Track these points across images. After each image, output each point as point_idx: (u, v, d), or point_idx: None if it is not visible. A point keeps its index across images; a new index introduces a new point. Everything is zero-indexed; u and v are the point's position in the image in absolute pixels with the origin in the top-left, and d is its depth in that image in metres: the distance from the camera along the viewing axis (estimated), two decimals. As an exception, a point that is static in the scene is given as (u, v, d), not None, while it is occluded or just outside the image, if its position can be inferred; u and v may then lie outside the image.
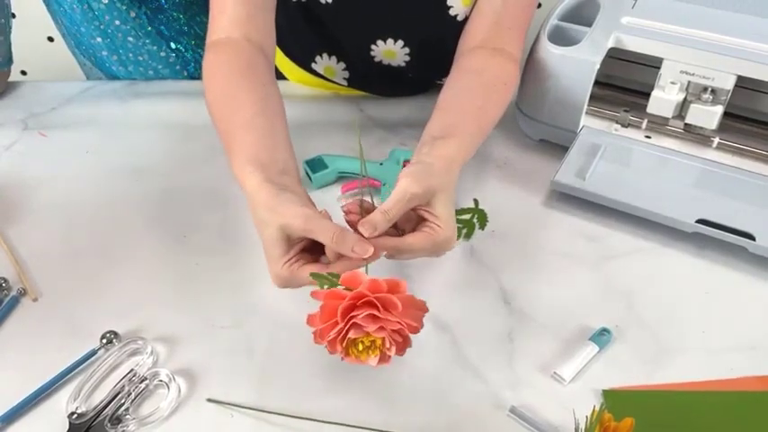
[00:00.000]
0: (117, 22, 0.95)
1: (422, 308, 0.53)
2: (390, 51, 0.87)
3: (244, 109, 0.66)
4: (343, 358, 0.52)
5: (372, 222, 0.56)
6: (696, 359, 0.62)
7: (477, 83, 0.74)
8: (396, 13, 0.83)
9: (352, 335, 0.51)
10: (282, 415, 0.56)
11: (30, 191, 0.81)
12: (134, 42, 0.98)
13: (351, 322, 0.50)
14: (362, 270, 0.54)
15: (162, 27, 0.99)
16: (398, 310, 0.50)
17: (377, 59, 0.89)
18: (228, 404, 0.57)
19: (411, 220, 0.62)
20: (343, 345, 0.51)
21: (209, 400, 0.57)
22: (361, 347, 0.51)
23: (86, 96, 0.98)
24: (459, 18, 0.81)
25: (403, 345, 0.53)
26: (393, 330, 0.51)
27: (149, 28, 0.98)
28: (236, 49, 0.71)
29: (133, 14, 0.95)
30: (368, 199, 0.62)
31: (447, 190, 0.61)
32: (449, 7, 0.80)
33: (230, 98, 0.68)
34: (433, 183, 0.59)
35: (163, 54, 1.01)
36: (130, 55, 1.00)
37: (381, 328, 0.50)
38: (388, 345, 0.51)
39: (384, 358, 0.52)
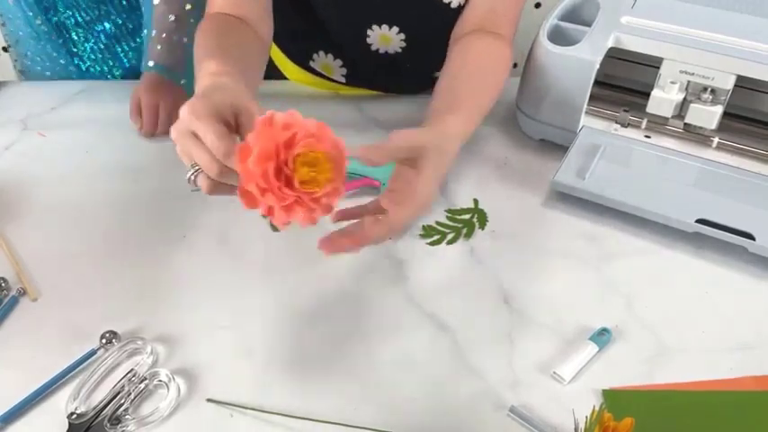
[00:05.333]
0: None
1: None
2: (386, 36, 0.88)
3: (211, 47, 0.67)
4: (272, 214, 0.48)
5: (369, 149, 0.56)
6: (696, 359, 0.62)
7: (474, 65, 0.76)
8: (389, 1, 0.84)
9: (300, 148, 0.47)
10: (282, 415, 0.56)
11: (29, 191, 0.81)
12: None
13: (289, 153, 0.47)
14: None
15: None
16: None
17: (373, 47, 0.90)
18: (228, 404, 0.57)
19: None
20: (288, 166, 0.47)
21: (209, 401, 0.57)
22: (305, 170, 0.47)
23: (86, 96, 0.98)
24: (453, 5, 0.82)
25: (342, 185, 0.50)
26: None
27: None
28: (227, 19, 0.74)
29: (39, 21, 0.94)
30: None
31: (439, 151, 0.61)
32: None
33: (201, 47, 0.69)
34: (426, 138, 0.61)
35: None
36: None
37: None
38: (339, 167, 0.48)
39: (333, 193, 0.49)
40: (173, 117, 0.79)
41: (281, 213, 0.48)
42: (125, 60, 1.02)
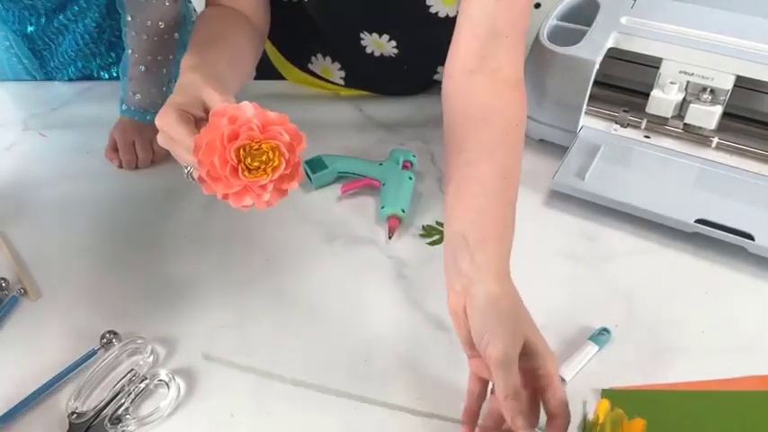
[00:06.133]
0: None
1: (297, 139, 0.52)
2: (378, 42, 0.88)
3: (196, 38, 0.69)
4: (229, 196, 0.51)
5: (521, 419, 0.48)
6: (696, 359, 0.62)
7: (489, 138, 0.63)
8: (377, 10, 0.83)
9: (241, 141, 0.49)
10: (295, 383, 0.53)
11: (30, 191, 0.81)
12: None
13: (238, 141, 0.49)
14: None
15: None
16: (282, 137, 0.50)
17: (368, 50, 0.89)
18: (227, 361, 0.56)
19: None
20: (236, 157, 0.49)
21: (206, 357, 0.58)
22: (256, 162, 0.50)
23: (86, 96, 0.98)
24: (442, 15, 0.81)
25: (295, 169, 0.52)
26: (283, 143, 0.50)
27: None
28: (222, 9, 0.75)
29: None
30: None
31: (521, 315, 0.53)
32: (428, 6, 0.80)
33: (192, 36, 0.70)
34: (510, 324, 0.51)
35: None
36: None
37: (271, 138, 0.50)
38: (284, 154, 0.50)
39: (286, 179, 0.51)
40: (148, 150, 0.84)
41: (234, 199, 0.52)
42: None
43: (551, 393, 0.50)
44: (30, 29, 0.94)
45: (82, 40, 0.97)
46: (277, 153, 0.50)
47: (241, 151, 0.50)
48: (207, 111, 0.55)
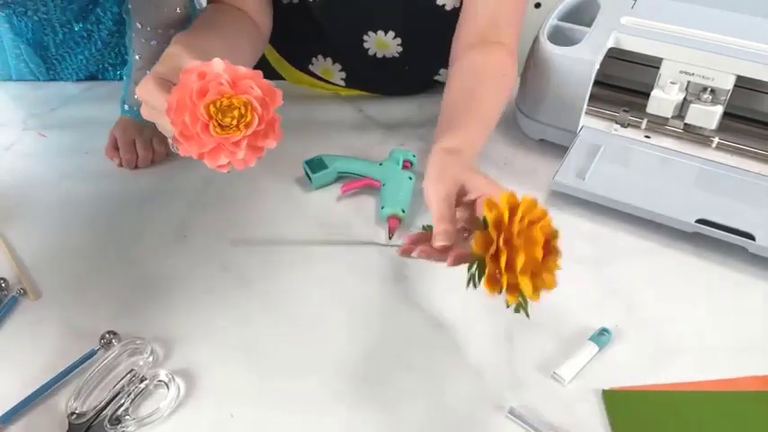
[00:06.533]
0: None
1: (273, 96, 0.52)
2: (383, 42, 0.88)
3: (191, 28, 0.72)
4: (205, 156, 0.51)
5: (442, 233, 0.55)
6: (696, 359, 0.62)
7: (475, 79, 0.74)
8: (383, 5, 0.84)
9: (211, 96, 0.48)
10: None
11: (30, 191, 0.81)
12: None
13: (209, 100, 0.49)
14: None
15: None
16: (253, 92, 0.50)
17: (371, 52, 0.90)
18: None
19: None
20: (207, 114, 0.49)
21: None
22: (227, 118, 0.49)
23: (86, 96, 0.98)
24: (448, 8, 0.81)
25: (270, 125, 0.51)
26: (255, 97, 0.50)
27: None
28: (223, 6, 0.77)
29: None
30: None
31: (468, 168, 0.60)
32: None
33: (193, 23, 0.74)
34: (453, 171, 0.59)
35: None
36: None
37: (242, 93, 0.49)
38: (256, 109, 0.49)
39: (262, 135, 0.51)
40: (149, 149, 0.85)
41: (209, 158, 0.51)
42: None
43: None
44: (46, 40, 0.94)
45: (95, 47, 0.97)
46: (249, 108, 0.50)
47: (211, 107, 0.49)
48: None
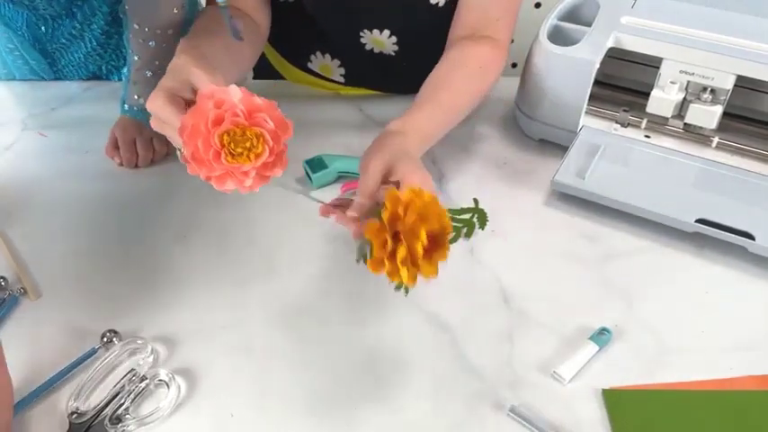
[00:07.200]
0: None
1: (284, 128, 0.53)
2: (379, 40, 0.88)
3: (193, 28, 0.73)
4: (214, 179, 0.52)
5: (355, 206, 0.59)
6: (696, 359, 0.62)
7: (449, 68, 0.76)
8: (375, 4, 0.84)
9: (225, 126, 0.50)
10: None
11: (30, 191, 0.81)
12: None
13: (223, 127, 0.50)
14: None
15: None
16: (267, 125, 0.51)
17: (368, 47, 0.90)
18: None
19: None
20: (219, 142, 0.50)
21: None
22: (239, 148, 0.51)
23: (86, 96, 0.98)
24: (441, 5, 0.81)
25: (279, 157, 0.53)
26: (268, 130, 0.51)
27: None
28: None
29: None
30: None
31: (403, 151, 0.63)
32: None
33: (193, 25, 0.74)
34: (389, 151, 0.62)
35: None
36: None
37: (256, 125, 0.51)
38: (268, 142, 0.51)
39: (269, 166, 0.52)
40: (149, 149, 0.85)
41: (216, 182, 0.53)
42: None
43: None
44: (41, 31, 0.94)
45: (90, 45, 0.98)
46: (261, 140, 0.51)
47: (225, 136, 0.50)
48: (196, 92, 0.55)
